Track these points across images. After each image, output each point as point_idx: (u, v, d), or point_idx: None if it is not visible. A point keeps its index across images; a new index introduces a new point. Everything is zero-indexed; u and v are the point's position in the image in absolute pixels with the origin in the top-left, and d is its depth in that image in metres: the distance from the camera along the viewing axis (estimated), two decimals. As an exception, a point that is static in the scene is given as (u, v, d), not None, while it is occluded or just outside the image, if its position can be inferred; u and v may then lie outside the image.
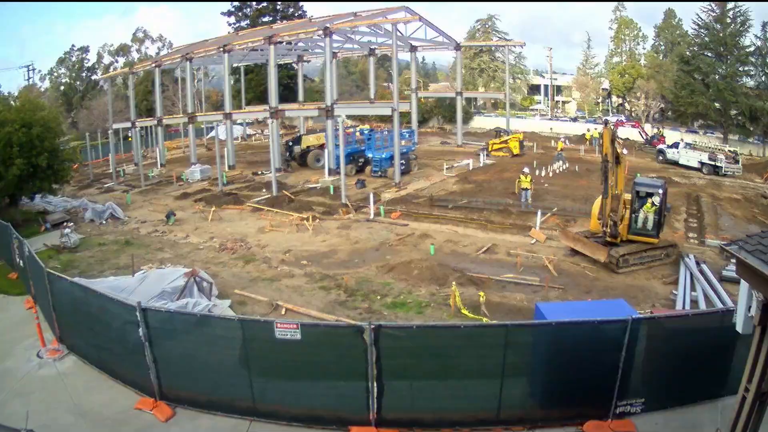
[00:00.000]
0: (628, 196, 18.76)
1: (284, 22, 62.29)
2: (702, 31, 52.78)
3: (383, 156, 35.48)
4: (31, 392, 11.97)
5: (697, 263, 17.84)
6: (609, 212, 18.47)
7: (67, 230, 22.77)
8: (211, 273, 18.18)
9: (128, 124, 46.64)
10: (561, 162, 38.48)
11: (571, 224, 24.06)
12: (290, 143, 41.08)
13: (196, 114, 42.62)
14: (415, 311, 15.52)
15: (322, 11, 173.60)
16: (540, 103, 78.85)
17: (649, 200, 18.32)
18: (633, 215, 18.61)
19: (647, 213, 18.38)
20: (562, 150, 41.33)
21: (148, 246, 22.61)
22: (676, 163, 40.20)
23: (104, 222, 26.46)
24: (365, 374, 9.98)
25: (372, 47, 48.50)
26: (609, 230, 18.62)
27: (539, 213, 24.08)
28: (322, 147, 37.79)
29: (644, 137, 49.21)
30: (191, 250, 21.93)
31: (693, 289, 16.13)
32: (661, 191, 18.38)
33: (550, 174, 35.73)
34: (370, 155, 36.38)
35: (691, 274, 16.93)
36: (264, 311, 15.73)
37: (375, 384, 10.04)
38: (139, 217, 27.44)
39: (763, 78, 50.52)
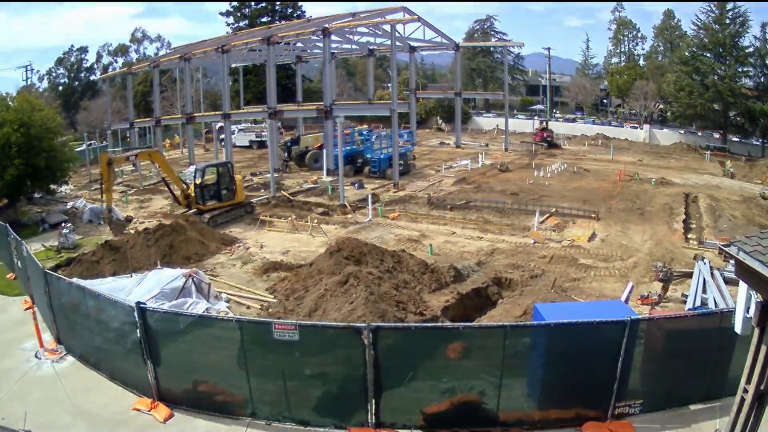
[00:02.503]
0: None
1: (283, 22, 62.27)
2: (701, 31, 52.85)
3: (381, 156, 35.50)
4: (30, 393, 11.95)
5: (711, 269, 17.61)
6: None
7: (65, 231, 22.74)
8: (210, 274, 18.18)
9: (127, 125, 46.61)
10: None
11: (569, 225, 24.09)
12: (289, 144, 41.07)
13: (195, 114, 42.55)
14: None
15: (320, 11, 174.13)
16: (539, 103, 78.91)
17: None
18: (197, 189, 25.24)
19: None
20: None
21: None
22: None
23: (102, 222, 26.39)
24: (363, 375, 9.98)
25: (371, 48, 48.51)
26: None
27: (537, 213, 24.11)
28: (320, 148, 37.79)
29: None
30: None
31: (704, 291, 15.98)
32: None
33: (549, 174, 35.79)
34: (368, 156, 36.40)
35: (704, 279, 16.72)
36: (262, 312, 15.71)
37: (373, 385, 10.03)
38: (138, 217, 27.39)
39: (762, 79, 50.57)
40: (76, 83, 78.14)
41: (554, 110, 75.59)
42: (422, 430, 10.29)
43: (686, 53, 54.36)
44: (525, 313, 13.72)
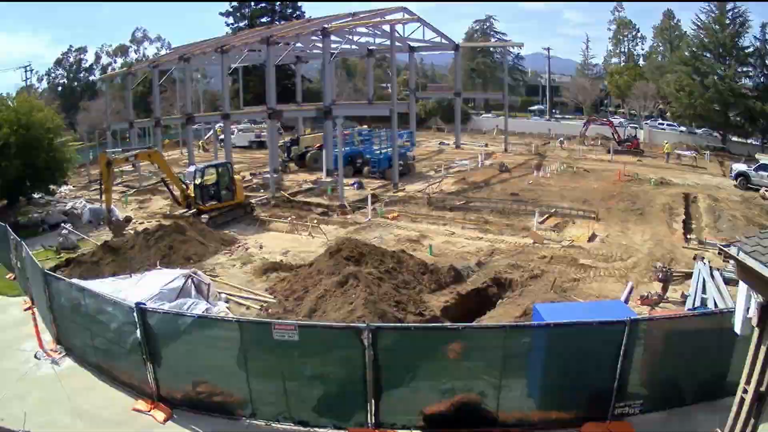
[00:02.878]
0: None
1: (282, 22, 62.29)
2: (701, 31, 52.90)
3: (381, 157, 35.49)
4: (29, 393, 11.92)
5: (711, 269, 17.52)
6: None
7: (65, 231, 22.72)
8: (209, 274, 18.16)
9: (126, 125, 46.55)
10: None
11: (569, 225, 24.09)
12: (288, 144, 41.06)
13: (194, 114, 42.50)
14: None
15: (320, 12, 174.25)
16: (538, 103, 78.99)
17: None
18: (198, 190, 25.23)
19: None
20: None
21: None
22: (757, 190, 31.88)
23: (102, 223, 26.37)
24: (363, 375, 9.96)
25: (370, 48, 48.50)
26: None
27: (537, 213, 24.10)
28: (320, 148, 37.79)
29: (616, 137, 47.76)
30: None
31: (704, 291, 15.95)
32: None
33: (548, 174, 35.79)
34: (368, 156, 36.40)
35: (704, 279, 16.68)
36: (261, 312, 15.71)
37: (372, 385, 10.02)
38: (137, 218, 27.37)
39: (762, 79, 50.62)
40: (76, 84, 78.14)
41: (554, 110, 75.64)
42: (422, 430, 10.27)
43: (686, 53, 54.40)
44: (525, 314, 13.71)
